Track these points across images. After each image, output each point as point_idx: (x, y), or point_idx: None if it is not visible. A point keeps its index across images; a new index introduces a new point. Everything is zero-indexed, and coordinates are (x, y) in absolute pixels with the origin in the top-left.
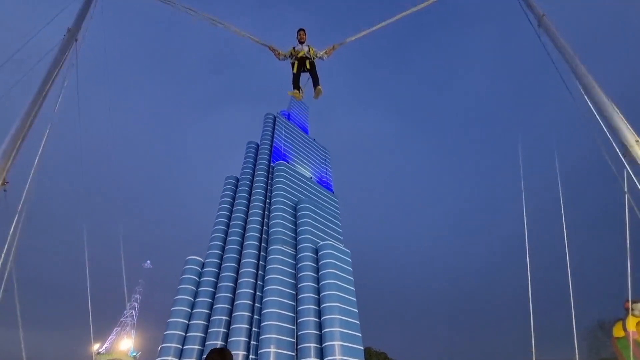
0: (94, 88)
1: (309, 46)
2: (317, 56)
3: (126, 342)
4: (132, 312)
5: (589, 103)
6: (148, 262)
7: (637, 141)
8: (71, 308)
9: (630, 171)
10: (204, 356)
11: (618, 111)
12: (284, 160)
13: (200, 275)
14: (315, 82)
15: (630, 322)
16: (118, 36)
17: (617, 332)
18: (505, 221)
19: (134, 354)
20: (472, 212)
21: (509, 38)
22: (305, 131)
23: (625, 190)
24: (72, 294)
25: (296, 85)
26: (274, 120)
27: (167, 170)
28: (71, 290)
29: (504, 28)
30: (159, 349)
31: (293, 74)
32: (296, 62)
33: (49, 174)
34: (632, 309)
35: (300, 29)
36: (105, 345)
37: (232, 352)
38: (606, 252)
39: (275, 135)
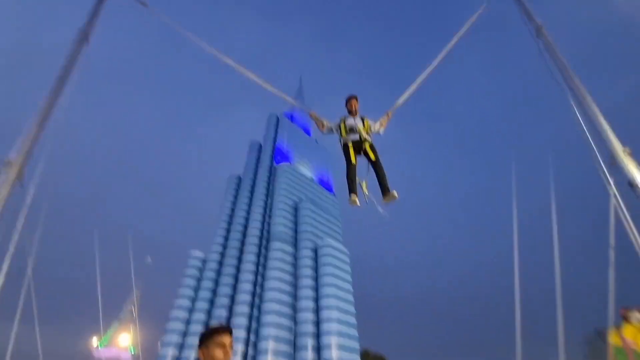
0: (105, 87)
1: (363, 119)
2: (372, 131)
3: (125, 337)
4: (131, 308)
5: (577, 112)
6: (148, 257)
7: (623, 150)
8: (70, 303)
9: (611, 183)
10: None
11: (605, 122)
12: (286, 160)
13: (201, 270)
14: (384, 182)
15: (628, 331)
16: (129, 37)
17: (613, 339)
18: (503, 227)
19: (133, 351)
20: (469, 218)
21: (505, 50)
22: (308, 132)
23: (614, 196)
24: (72, 290)
25: (353, 185)
26: (277, 121)
27: (175, 169)
28: (72, 286)
29: (501, 41)
30: (160, 341)
31: (347, 168)
32: (351, 148)
33: (58, 170)
34: (629, 317)
35: (352, 96)
36: (104, 340)
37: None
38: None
39: (278, 135)
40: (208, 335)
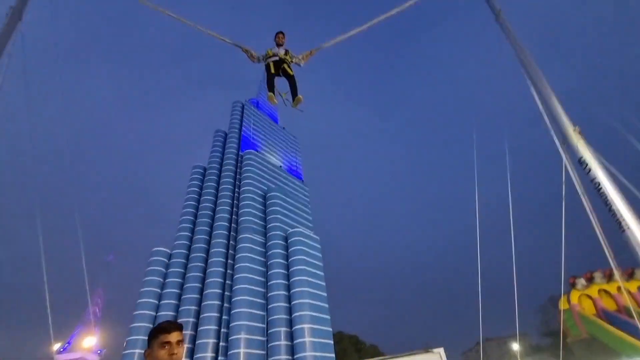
0: (45, 71)
1: (286, 50)
2: (293, 61)
3: (90, 339)
4: (95, 309)
5: (534, 93)
6: (111, 255)
7: (574, 130)
8: (28, 307)
9: (568, 160)
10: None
11: (559, 103)
12: (253, 149)
13: (167, 266)
14: (294, 90)
15: (574, 296)
16: (74, 16)
17: (563, 305)
18: (466, 210)
19: (100, 352)
20: (435, 201)
21: (467, 36)
22: (275, 120)
23: (565, 171)
24: (30, 293)
25: (271, 87)
26: (242, 108)
27: (132, 160)
28: (29, 289)
29: (463, 27)
30: (125, 341)
31: (267, 76)
32: (272, 64)
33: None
34: (574, 284)
35: (280, 32)
36: (67, 343)
37: (203, 341)
38: (559, 235)
39: (244, 123)
40: (151, 335)
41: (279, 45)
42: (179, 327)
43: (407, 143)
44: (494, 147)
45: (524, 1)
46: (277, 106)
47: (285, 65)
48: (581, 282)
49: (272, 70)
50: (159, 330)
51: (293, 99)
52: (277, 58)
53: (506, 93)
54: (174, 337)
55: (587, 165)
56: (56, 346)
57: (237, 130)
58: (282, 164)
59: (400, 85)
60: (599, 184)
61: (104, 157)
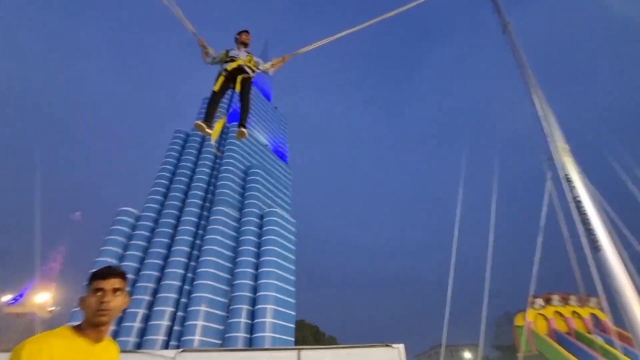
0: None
1: (249, 54)
2: (258, 68)
3: (43, 295)
4: (53, 265)
5: (536, 106)
6: (78, 213)
7: (563, 148)
8: None
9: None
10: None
11: (554, 119)
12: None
13: (134, 228)
14: (243, 116)
15: (530, 314)
16: None
17: (518, 321)
18: (444, 213)
19: (52, 309)
20: (416, 201)
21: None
22: (268, 97)
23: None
24: None
25: (210, 111)
26: None
27: (118, 117)
28: None
29: (469, 42)
30: (78, 299)
31: (213, 91)
32: (224, 74)
33: None
34: (533, 303)
35: (244, 31)
36: (19, 295)
37: (160, 308)
38: (525, 250)
39: (234, 96)
40: (88, 280)
41: (242, 45)
42: (119, 275)
43: (400, 146)
44: (483, 155)
45: (536, 17)
46: (270, 83)
47: (243, 76)
48: (539, 302)
49: (217, 87)
50: (94, 276)
51: (238, 127)
52: (234, 65)
53: (503, 104)
54: (109, 284)
55: (571, 182)
56: (6, 297)
57: (226, 102)
58: (268, 143)
59: (400, 90)
60: (580, 202)
61: (90, 106)
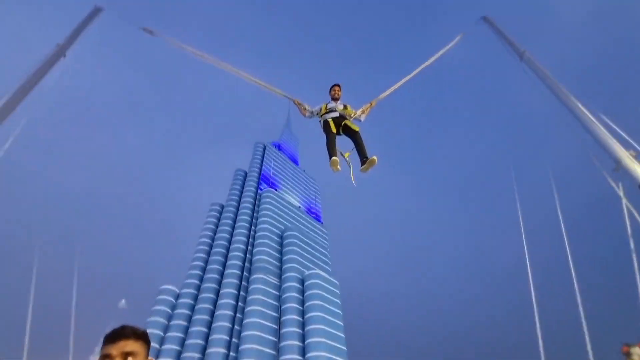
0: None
1: (344, 104)
2: (354, 116)
3: None
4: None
5: (581, 123)
6: (123, 301)
7: (629, 156)
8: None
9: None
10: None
11: (603, 128)
12: (272, 188)
13: (174, 307)
14: (363, 150)
15: None
16: (113, 61)
17: None
18: (503, 265)
19: None
20: (466, 259)
21: (494, 86)
22: (295, 162)
23: (623, 199)
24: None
25: (333, 150)
26: (264, 149)
27: (155, 199)
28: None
29: (487, 73)
30: None
31: (327, 137)
32: (331, 121)
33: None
34: (631, 354)
35: (335, 85)
36: None
37: None
38: (614, 289)
39: (264, 163)
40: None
41: (334, 99)
42: (132, 336)
43: (432, 197)
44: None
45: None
46: (297, 148)
47: (347, 122)
48: (637, 351)
49: (333, 129)
50: (104, 338)
51: (362, 162)
52: (336, 114)
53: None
54: (117, 348)
55: None
56: None
57: (257, 170)
58: (300, 205)
59: (429, 138)
60: None
61: (137, 200)
